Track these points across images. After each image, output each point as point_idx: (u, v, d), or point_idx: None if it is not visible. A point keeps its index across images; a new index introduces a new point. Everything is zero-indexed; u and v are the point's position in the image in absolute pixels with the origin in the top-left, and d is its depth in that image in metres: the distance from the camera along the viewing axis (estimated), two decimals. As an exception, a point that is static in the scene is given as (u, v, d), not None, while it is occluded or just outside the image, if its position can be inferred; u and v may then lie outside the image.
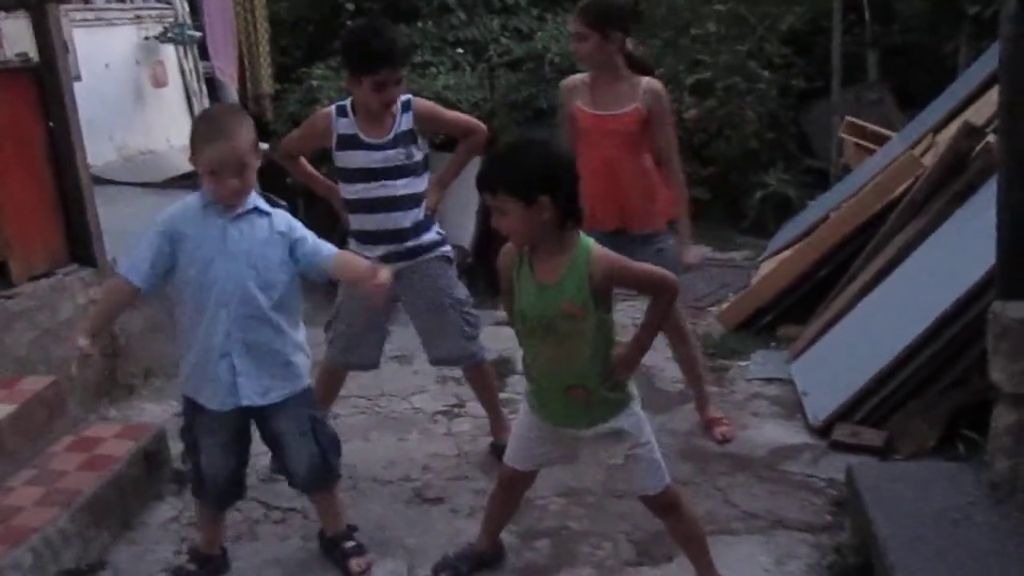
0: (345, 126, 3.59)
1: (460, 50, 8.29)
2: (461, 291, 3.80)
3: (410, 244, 3.65)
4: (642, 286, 2.82)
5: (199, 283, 2.88)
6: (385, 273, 2.92)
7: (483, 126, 3.79)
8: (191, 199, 2.96)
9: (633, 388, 2.83)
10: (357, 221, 3.67)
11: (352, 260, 3.08)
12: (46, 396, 3.71)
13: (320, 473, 3.14)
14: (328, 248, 3.04)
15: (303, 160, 3.83)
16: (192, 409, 3.04)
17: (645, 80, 3.82)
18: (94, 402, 4.40)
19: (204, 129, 2.88)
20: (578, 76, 3.93)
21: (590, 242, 2.68)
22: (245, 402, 2.96)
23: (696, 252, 3.95)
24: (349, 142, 3.59)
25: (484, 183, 2.63)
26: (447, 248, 3.77)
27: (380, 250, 3.60)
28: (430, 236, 3.69)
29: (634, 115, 3.77)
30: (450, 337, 3.76)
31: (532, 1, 8.63)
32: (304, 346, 3.07)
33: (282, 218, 3.01)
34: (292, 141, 3.86)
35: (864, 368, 3.97)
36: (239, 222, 2.91)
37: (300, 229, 3.02)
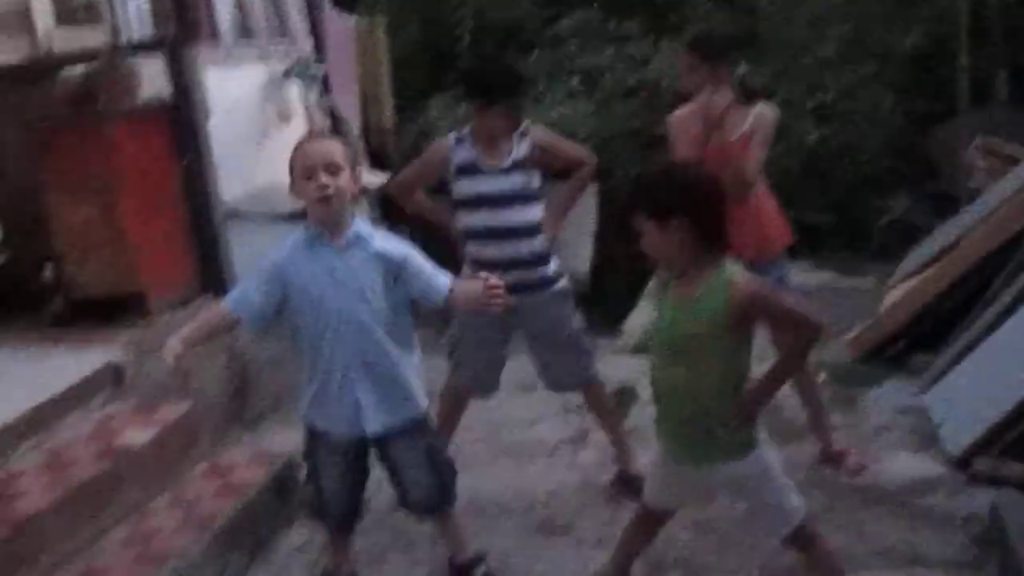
0: (464, 154, 3.67)
1: (574, 79, 8.34)
2: (577, 323, 3.84)
3: (530, 277, 3.67)
4: (783, 321, 2.74)
5: (314, 320, 2.93)
6: (494, 280, 2.90)
7: (592, 157, 3.89)
8: (296, 237, 2.99)
9: (760, 435, 2.73)
10: (475, 249, 3.72)
11: (465, 288, 3.03)
12: (183, 423, 3.84)
13: (435, 500, 3.17)
14: (443, 283, 3.00)
15: (419, 192, 3.90)
16: (313, 435, 3.11)
17: (758, 105, 3.82)
18: (227, 429, 4.53)
19: (296, 148, 2.97)
20: (686, 108, 3.91)
21: (735, 268, 2.64)
22: (369, 432, 3.00)
23: None
24: (469, 169, 3.67)
25: (627, 205, 2.68)
26: (565, 283, 3.80)
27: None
28: (549, 270, 3.73)
29: (747, 141, 3.74)
30: (564, 368, 3.82)
31: (646, 29, 8.61)
32: (419, 370, 3.10)
33: (385, 242, 2.99)
34: (409, 173, 3.95)
35: (1004, 397, 3.81)
36: (344, 254, 2.93)
37: (413, 259, 2.98)
